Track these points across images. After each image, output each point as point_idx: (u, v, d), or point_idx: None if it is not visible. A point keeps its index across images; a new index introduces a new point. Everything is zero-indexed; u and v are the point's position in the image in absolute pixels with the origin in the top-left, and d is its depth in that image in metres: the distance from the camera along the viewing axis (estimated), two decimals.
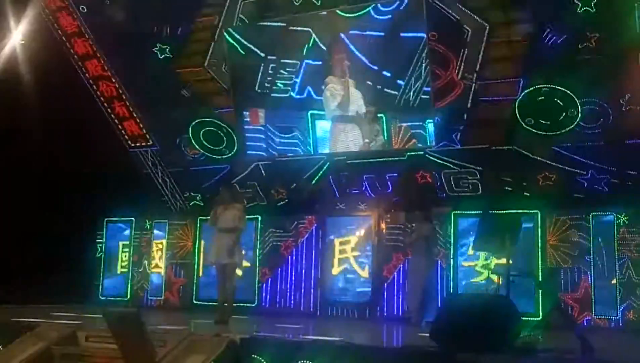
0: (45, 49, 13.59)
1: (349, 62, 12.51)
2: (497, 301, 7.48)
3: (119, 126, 14.68)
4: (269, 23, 13.11)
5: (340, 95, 12.69)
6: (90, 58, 14.11)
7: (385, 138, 12.68)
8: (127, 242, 14.99)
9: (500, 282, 8.27)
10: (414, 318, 11.20)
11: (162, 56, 13.86)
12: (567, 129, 11.65)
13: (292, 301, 13.38)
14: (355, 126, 12.85)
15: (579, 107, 11.48)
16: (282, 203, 14.11)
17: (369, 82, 12.54)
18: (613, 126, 11.45)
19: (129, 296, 14.69)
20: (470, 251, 12.03)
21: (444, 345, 7.04)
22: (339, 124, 12.96)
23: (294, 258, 13.45)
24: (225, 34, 13.20)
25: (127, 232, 15.05)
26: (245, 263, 12.68)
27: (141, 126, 14.57)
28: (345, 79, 12.60)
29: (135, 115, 14.50)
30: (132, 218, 15.00)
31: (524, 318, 7.77)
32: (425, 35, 11.88)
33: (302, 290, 13.28)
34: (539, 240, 11.70)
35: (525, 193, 12.28)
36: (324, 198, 13.68)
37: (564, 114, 11.59)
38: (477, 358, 6.43)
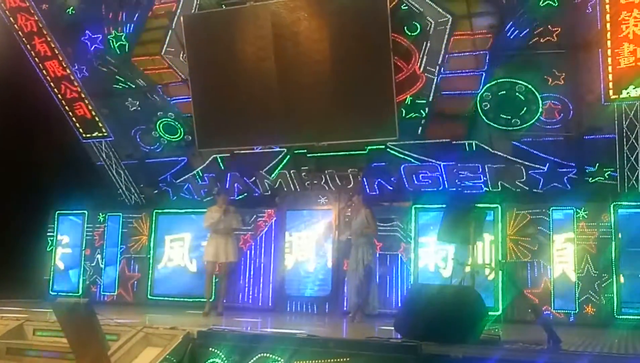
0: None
1: None
2: (464, 292, 7.33)
3: (73, 118, 14.20)
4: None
5: None
6: (50, 59, 13.60)
7: None
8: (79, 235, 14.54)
9: (465, 274, 8.17)
10: (353, 314, 10.57)
11: (117, 44, 13.45)
12: (528, 123, 11.61)
13: (250, 297, 13.08)
14: None
15: (540, 101, 11.45)
16: (240, 196, 13.81)
17: None
18: (573, 121, 11.47)
19: (80, 292, 14.22)
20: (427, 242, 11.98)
21: (408, 337, 6.87)
22: None
23: (253, 252, 13.16)
24: (183, 21, 12.82)
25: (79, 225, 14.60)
26: None
27: (94, 115, 14.08)
28: None
29: (90, 108, 14.00)
30: (85, 211, 14.57)
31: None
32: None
33: (261, 285, 13.01)
34: (499, 234, 11.67)
35: (485, 188, 12.27)
36: (284, 191, 13.43)
37: (525, 108, 11.55)
38: (443, 350, 6.27)
